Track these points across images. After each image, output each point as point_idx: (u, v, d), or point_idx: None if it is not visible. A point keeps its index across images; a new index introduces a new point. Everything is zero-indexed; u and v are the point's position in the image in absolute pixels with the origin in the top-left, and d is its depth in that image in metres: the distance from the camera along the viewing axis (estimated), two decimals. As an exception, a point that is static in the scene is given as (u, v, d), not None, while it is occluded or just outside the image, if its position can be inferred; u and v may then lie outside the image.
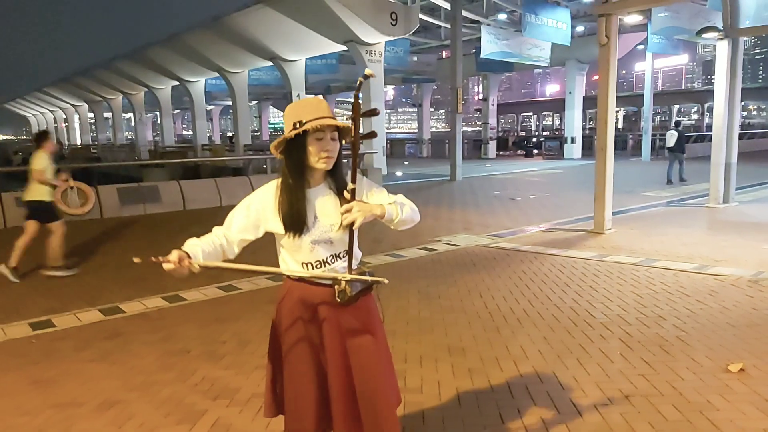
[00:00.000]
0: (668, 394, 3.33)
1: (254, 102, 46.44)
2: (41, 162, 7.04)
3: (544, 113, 58.87)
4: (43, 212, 7.05)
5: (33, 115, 75.65)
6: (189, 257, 2.00)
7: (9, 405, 3.45)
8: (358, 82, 1.94)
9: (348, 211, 1.96)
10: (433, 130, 56.21)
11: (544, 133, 51.15)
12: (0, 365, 4.08)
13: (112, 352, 4.27)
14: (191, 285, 6.10)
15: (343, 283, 2.03)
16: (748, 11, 10.75)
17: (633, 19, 16.17)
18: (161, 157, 27.28)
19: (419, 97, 37.17)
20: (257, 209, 2.11)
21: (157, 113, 40.22)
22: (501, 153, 32.46)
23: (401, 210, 2.09)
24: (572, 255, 7.13)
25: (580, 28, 25.65)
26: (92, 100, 46.27)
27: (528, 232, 8.82)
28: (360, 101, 1.95)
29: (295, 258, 2.12)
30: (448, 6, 19.33)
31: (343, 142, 2.09)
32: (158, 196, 12.31)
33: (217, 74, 26.61)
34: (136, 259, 2.07)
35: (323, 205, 2.08)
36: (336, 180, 2.11)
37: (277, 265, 2.19)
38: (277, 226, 2.08)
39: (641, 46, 24.29)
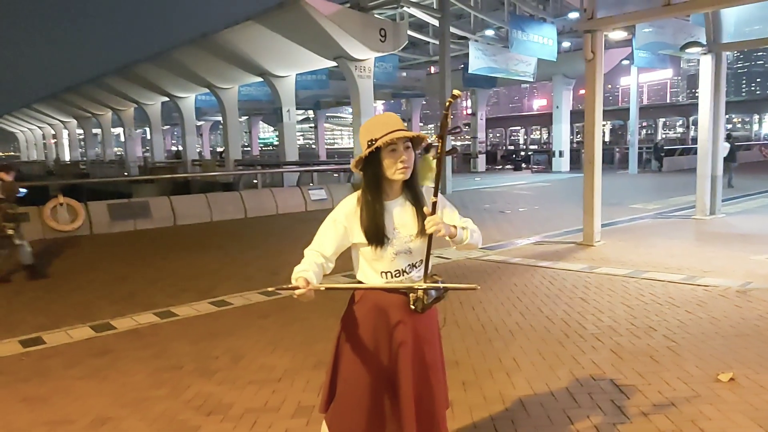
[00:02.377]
0: (659, 405, 3.36)
1: (244, 117, 46.45)
2: None
3: (532, 127, 59.39)
4: None
5: (21, 131, 75.16)
6: (307, 283, 2.05)
7: (-1, 423, 3.42)
8: (448, 103, 1.99)
9: (434, 221, 2.05)
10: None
11: (533, 147, 51.53)
12: (-11, 383, 4.05)
13: (103, 369, 4.24)
14: (182, 301, 6.08)
15: (420, 291, 2.12)
16: (730, 27, 10.96)
17: (618, 35, 16.41)
18: (151, 173, 27.20)
19: (408, 112, 37.37)
20: (343, 224, 2.19)
21: (147, 129, 40.12)
22: (490, 167, 32.67)
23: (471, 236, 2.22)
24: (562, 267, 7.18)
25: (566, 44, 26.00)
26: (81, 116, 46.07)
27: (518, 245, 8.87)
28: (449, 120, 2.04)
29: (374, 267, 2.20)
30: (436, 23, 19.54)
31: (417, 152, 2.18)
32: (149, 211, 12.26)
33: (207, 90, 26.63)
34: (271, 289, 2.16)
35: (402, 217, 2.17)
36: (412, 191, 2.20)
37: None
38: (360, 239, 2.16)
39: (626, 61, 24.67)
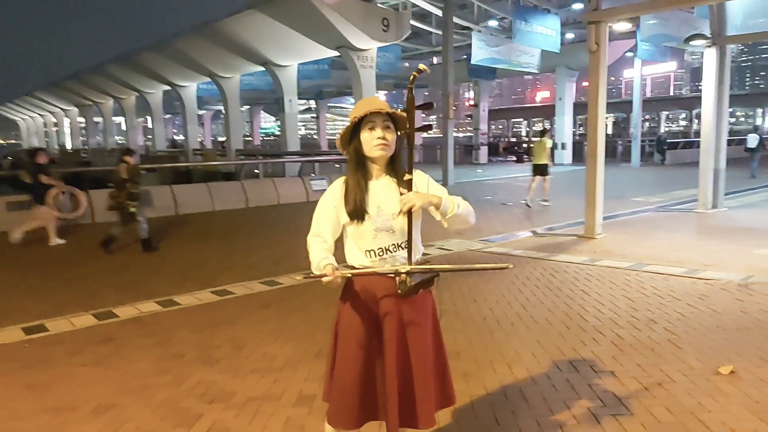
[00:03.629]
0: (660, 397, 3.37)
1: (246, 107, 46.38)
2: None
3: (534, 119, 59.22)
4: None
5: (23, 119, 75.09)
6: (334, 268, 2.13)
7: (3, 410, 3.44)
8: (412, 77, 2.04)
9: (406, 198, 2.07)
10: (425, 135, 56.30)
11: (535, 139, 51.44)
12: (-7, 370, 4.07)
13: (106, 357, 4.26)
14: (185, 290, 6.10)
15: (404, 274, 2.12)
16: (735, 19, 10.91)
17: (622, 26, 16.31)
18: (152, 162, 27.18)
19: (411, 102, 37.23)
20: (333, 206, 2.25)
21: (148, 118, 40.06)
22: (492, 158, 32.62)
23: (458, 206, 2.17)
24: (564, 259, 7.19)
25: (569, 36, 25.89)
26: (83, 104, 46.04)
27: (519, 237, 8.88)
28: (413, 94, 2.07)
29: (359, 245, 2.23)
30: (439, 12, 19.46)
31: (398, 133, 2.18)
32: (150, 200, 12.25)
33: (208, 79, 26.56)
34: (298, 278, 2.23)
35: (386, 195, 2.20)
36: (396, 171, 2.21)
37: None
38: (344, 216, 2.21)
39: (630, 53, 24.54)
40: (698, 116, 26.21)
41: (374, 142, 2.14)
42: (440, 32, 20.36)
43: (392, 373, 2.18)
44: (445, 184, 17.76)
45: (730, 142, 14.99)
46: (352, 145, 2.19)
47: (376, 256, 2.20)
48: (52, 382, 3.81)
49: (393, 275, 2.15)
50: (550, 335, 4.47)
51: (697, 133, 25.98)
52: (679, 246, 7.80)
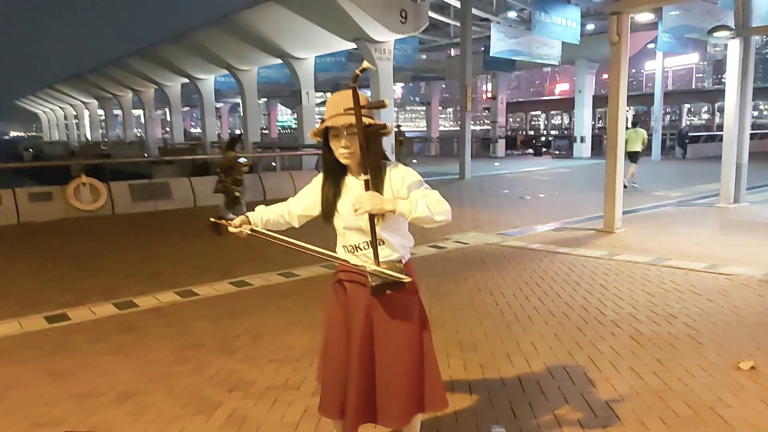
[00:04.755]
0: (679, 391, 3.35)
1: (263, 99, 46.55)
2: None
3: (553, 112, 58.67)
4: None
5: (44, 111, 76.14)
6: (249, 223, 2.32)
7: (28, 395, 3.52)
8: (355, 75, 1.96)
9: (358, 201, 2.02)
10: (442, 128, 56.12)
11: (553, 132, 50.97)
12: (17, 357, 4.16)
13: (127, 345, 4.34)
14: (204, 281, 6.18)
15: (369, 272, 2.15)
16: (761, 10, 10.70)
17: (644, 17, 16.11)
18: (171, 154, 27.44)
19: (428, 95, 37.15)
20: (314, 192, 2.32)
21: (167, 110, 40.39)
22: (510, 152, 32.40)
23: (414, 208, 2.02)
24: (582, 254, 7.14)
25: (590, 27, 25.55)
26: (102, 97, 46.51)
27: (537, 231, 8.83)
28: (359, 92, 1.99)
29: (338, 240, 2.32)
30: (457, 4, 19.30)
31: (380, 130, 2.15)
32: (169, 192, 12.41)
33: (226, 72, 26.68)
34: (212, 219, 2.46)
35: (354, 195, 2.16)
36: (370, 170, 2.15)
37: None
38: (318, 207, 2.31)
39: (651, 45, 24.17)
40: (720, 109, 25.77)
41: (338, 151, 2.12)
42: (458, 24, 20.21)
43: (354, 368, 2.20)
44: (462, 177, 17.70)
45: (753, 136, 14.74)
46: (324, 147, 2.19)
47: (349, 252, 2.26)
48: (75, 370, 3.89)
49: (364, 271, 2.18)
50: (567, 329, 4.46)
51: (720, 127, 25.57)
52: (700, 241, 7.71)
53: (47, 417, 3.23)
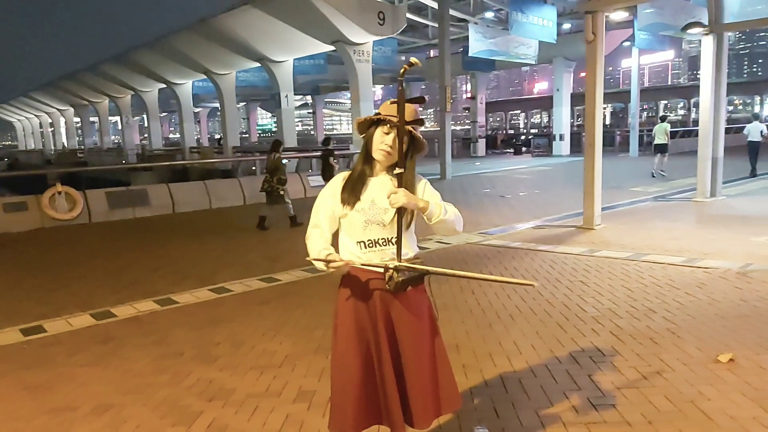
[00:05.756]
0: (660, 386, 3.37)
1: (242, 104, 46.26)
2: None
3: (532, 111, 59.10)
4: None
5: (18, 120, 74.92)
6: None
7: (2, 411, 3.43)
8: (403, 70, 2.06)
9: (395, 194, 2.08)
10: (422, 129, 55.90)
11: (533, 131, 51.32)
12: (-8, 372, 4.06)
13: (105, 356, 4.25)
14: (183, 288, 6.09)
15: (392, 269, 2.14)
16: (732, 7, 10.87)
17: (619, 15, 16.27)
18: (149, 161, 27.13)
19: (408, 96, 37.12)
20: (332, 198, 2.27)
21: (144, 116, 39.97)
22: (490, 151, 32.56)
23: (444, 212, 2.16)
24: (562, 251, 7.18)
25: (566, 26, 25.79)
26: (78, 104, 45.91)
27: (518, 229, 8.86)
28: (404, 87, 2.09)
29: (351, 236, 2.25)
30: (435, 5, 19.36)
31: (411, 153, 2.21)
32: (147, 199, 12.25)
33: (204, 76, 26.48)
34: (308, 258, 2.24)
35: (381, 190, 2.20)
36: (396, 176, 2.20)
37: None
38: (339, 206, 2.24)
39: (627, 43, 24.47)
40: (696, 105, 26.15)
41: (381, 145, 2.17)
42: (436, 25, 20.26)
43: (389, 372, 2.19)
44: (443, 177, 17.74)
45: (728, 131, 14.88)
46: (367, 135, 2.23)
47: (366, 247, 2.22)
48: (51, 383, 3.80)
49: (382, 270, 2.17)
50: (549, 326, 4.47)
51: (696, 122, 25.93)
52: (678, 235, 7.80)
53: (21, 433, 3.15)
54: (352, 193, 2.22)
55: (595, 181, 8.66)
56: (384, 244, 2.22)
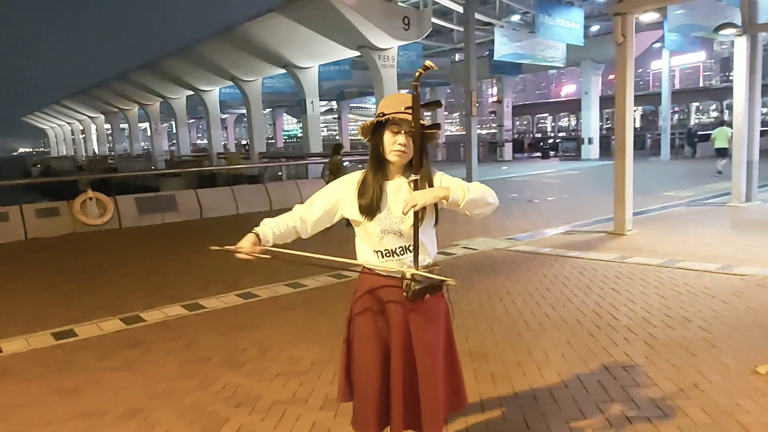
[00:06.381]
0: (696, 398, 3.26)
1: (268, 109, 46.68)
2: None
3: (559, 114, 58.46)
4: None
5: (51, 127, 76.78)
6: (259, 240, 2.15)
7: (34, 414, 3.48)
8: (417, 74, 2.00)
9: (406, 200, 2.01)
10: (448, 133, 56.05)
11: (561, 134, 50.74)
12: (24, 375, 4.13)
13: (133, 361, 4.29)
14: (210, 293, 6.13)
15: (409, 276, 2.08)
16: (766, 6, 10.58)
17: (649, 17, 16.02)
18: (177, 167, 27.54)
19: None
20: (338, 195, 2.22)
21: (173, 123, 40.60)
22: (517, 155, 32.27)
23: (467, 191, 2.03)
24: (593, 257, 7.04)
25: (594, 28, 25.46)
26: (109, 111, 46.84)
27: (547, 235, 8.73)
28: (419, 92, 2.01)
29: (368, 245, 2.21)
30: (460, 9, 19.28)
31: (428, 143, 2.15)
32: (175, 205, 12.41)
33: (231, 83, 26.78)
34: (212, 247, 2.23)
35: (397, 196, 2.13)
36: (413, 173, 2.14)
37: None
38: (353, 211, 2.17)
39: (658, 44, 24.03)
40: (729, 107, 25.56)
41: (394, 147, 2.08)
42: (462, 29, 20.18)
43: (398, 377, 2.16)
44: (469, 182, 17.57)
45: (763, 133, 14.54)
46: (374, 139, 2.13)
47: (383, 257, 2.18)
48: (81, 387, 3.85)
49: (399, 277, 2.12)
50: (580, 335, 4.37)
51: (729, 125, 25.30)
52: (713, 241, 7.59)
53: (52, 437, 3.19)
54: (373, 203, 2.13)
55: (626, 185, 8.49)
56: (402, 252, 2.16)
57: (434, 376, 2.19)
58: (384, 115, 2.06)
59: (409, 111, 2.03)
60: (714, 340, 4.14)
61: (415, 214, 2.03)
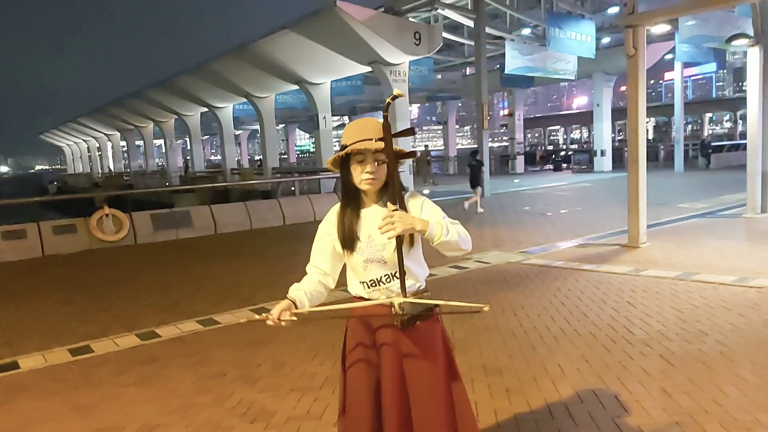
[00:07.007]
0: (714, 412, 3.22)
1: (281, 125, 47.08)
2: None
3: (571, 126, 58.35)
4: None
5: (67, 145, 77.88)
6: (296, 306, 2.13)
7: (52, 430, 3.52)
8: (386, 103, 1.93)
9: (387, 222, 1.88)
10: (459, 146, 56.08)
11: (573, 147, 50.60)
12: (41, 391, 4.17)
13: (150, 377, 4.32)
14: (224, 308, 6.17)
15: (397, 305, 1.99)
16: (779, 16, 10.54)
17: (660, 29, 15.98)
18: (191, 183, 27.79)
19: (444, 114, 37.23)
20: (328, 234, 2.18)
21: (187, 139, 41.04)
22: (529, 168, 32.21)
23: (446, 231, 1.95)
24: (607, 270, 7.00)
25: (605, 40, 25.46)
26: (124, 128, 47.44)
27: (560, 248, 8.69)
28: (389, 122, 1.95)
29: (355, 276, 2.17)
30: (471, 24, 19.40)
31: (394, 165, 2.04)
32: (190, 220, 12.51)
33: (244, 99, 27.06)
34: (243, 320, 2.24)
35: (375, 224, 2.01)
36: (389, 198, 2.05)
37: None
38: (338, 245, 2.14)
39: (669, 56, 23.98)
40: (743, 117, 25.38)
41: (363, 176, 2.01)
42: (472, 43, 20.29)
43: (390, 408, 2.05)
44: (481, 195, 17.58)
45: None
46: (343, 171, 2.07)
47: (368, 287, 2.11)
48: (98, 403, 3.88)
49: (388, 305, 2.03)
50: (595, 349, 4.34)
51: (743, 135, 25.15)
52: (728, 253, 7.51)
53: (69, 453, 3.22)
54: (347, 236, 2.08)
55: (639, 197, 8.45)
56: (387, 280, 2.08)
57: (429, 406, 2.07)
58: (345, 147, 2.01)
59: (369, 138, 1.97)
60: (731, 353, 4.09)
61: (397, 239, 1.94)
